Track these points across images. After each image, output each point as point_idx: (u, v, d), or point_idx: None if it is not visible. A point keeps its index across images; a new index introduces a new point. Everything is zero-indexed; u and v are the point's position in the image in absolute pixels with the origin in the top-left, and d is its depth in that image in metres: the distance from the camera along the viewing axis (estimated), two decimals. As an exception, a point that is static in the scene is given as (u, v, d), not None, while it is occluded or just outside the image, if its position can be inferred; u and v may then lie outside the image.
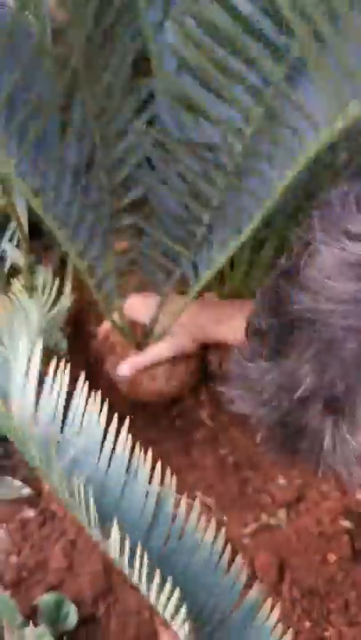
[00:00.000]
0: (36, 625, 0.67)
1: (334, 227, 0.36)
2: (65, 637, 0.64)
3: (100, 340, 0.89)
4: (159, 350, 0.81)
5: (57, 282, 0.68)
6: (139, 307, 0.83)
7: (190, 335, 0.81)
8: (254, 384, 0.37)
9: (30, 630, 0.65)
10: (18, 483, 0.80)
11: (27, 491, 0.79)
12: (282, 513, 0.75)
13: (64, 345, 0.88)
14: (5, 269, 0.85)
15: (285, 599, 0.68)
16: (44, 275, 0.82)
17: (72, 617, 0.69)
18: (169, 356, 0.81)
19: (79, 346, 0.94)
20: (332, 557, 0.70)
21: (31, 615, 0.70)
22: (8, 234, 0.84)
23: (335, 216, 0.36)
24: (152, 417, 0.88)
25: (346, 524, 0.72)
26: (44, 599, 0.70)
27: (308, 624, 0.68)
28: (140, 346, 0.85)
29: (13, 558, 0.75)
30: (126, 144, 0.75)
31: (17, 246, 0.84)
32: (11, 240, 0.83)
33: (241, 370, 0.38)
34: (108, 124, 0.72)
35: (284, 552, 0.71)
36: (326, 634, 0.68)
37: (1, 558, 0.75)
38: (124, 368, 0.81)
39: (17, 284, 0.65)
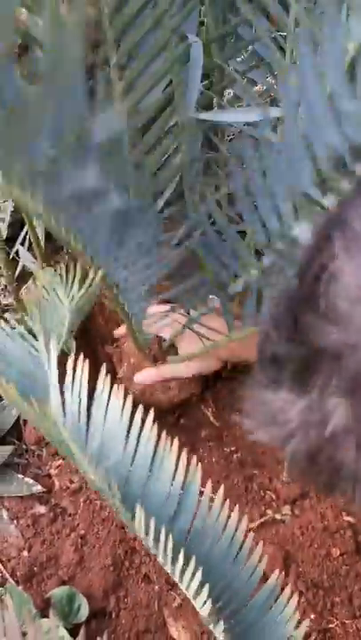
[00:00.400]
0: (48, 617, 0.69)
1: (356, 246, 0.32)
2: (81, 629, 0.65)
3: (113, 343, 0.91)
4: (183, 369, 0.79)
5: (78, 278, 0.68)
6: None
7: (217, 356, 0.79)
8: (277, 415, 0.35)
9: (44, 622, 0.67)
10: (29, 480, 0.82)
11: (37, 488, 0.81)
12: (286, 509, 0.77)
13: (72, 345, 0.90)
14: (17, 272, 0.87)
15: (291, 592, 0.70)
16: (53, 276, 0.84)
17: (83, 610, 0.71)
18: (190, 375, 0.80)
19: (86, 348, 0.96)
20: (335, 552, 0.72)
21: (44, 608, 0.71)
22: (20, 237, 0.86)
23: (355, 234, 0.32)
24: (157, 415, 0.90)
25: (349, 519, 0.74)
26: (57, 593, 0.71)
27: (312, 616, 0.70)
28: (156, 358, 0.84)
29: (25, 554, 0.77)
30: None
31: (29, 249, 0.86)
32: (22, 243, 0.85)
33: (261, 399, 0.36)
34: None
35: (289, 546, 0.73)
36: (331, 626, 0.70)
37: (13, 554, 0.77)
38: (142, 377, 0.80)
39: (47, 275, 0.66)
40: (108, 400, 0.43)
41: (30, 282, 0.77)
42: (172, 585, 0.72)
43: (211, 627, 0.46)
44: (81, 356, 0.50)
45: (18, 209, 0.83)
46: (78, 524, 0.78)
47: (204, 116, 0.73)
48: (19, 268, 0.86)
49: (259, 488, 0.80)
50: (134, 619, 0.71)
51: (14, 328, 0.60)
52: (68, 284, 0.65)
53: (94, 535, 0.76)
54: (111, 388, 0.45)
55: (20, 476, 0.82)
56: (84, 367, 0.48)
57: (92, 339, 0.99)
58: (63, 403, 0.46)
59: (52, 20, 0.33)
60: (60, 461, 0.85)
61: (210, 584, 0.43)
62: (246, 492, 0.80)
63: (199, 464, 0.42)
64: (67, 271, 0.73)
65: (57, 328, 0.60)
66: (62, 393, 0.47)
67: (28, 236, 0.86)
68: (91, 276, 0.61)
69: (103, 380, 0.47)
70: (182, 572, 0.42)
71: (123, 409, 0.45)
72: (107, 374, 0.49)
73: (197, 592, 0.43)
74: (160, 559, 0.42)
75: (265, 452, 0.88)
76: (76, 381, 0.47)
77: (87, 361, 0.49)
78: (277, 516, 0.76)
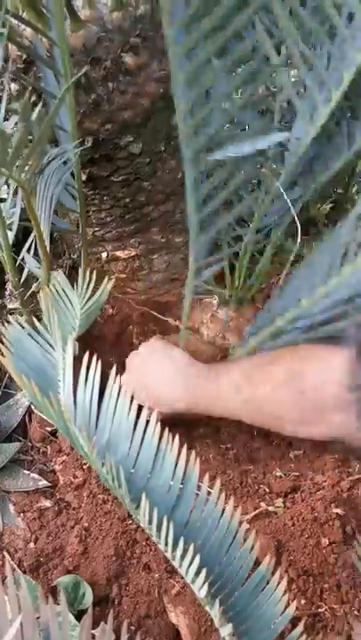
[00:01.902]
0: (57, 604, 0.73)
1: None
2: (87, 614, 0.69)
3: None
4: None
5: (93, 281, 0.72)
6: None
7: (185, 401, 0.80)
8: None
9: (52, 607, 0.71)
10: (35, 475, 0.86)
11: (43, 483, 0.85)
12: (279, 501, 0.81)
13: (76, 348, 0.94)
14: (23, 278, 0.91)
15: (282, 579, 0.74)
16: (58, 278, 0.88)
17: (88, 597, 0.75)
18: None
19: (88, 350, 1.00)
20: (325, 541, 0.76)
21: (51, 596, 0.75)
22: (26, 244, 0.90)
23: None
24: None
25: (337, 510, 0.78)
26: (63, 580, 0.76)
27: (303, 601, 0.74)
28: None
29: (31, 545, 0.81)
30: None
31: (34, 255, 0.90)
32: (29, 250, 0.89)
33: None
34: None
35: (282, 536, 0.77)
36: (320, 610, 0.74)
37: (20, 545, 0.81)
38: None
39: (60, 276, 0.70)
40: (117, 399, 0.47)
41: (43, 284, 0.81)
42: (171, 573, 0.76)
43: (208, 608, 0.50)
44: (94, 357, 0.55)
45: (23, 215, 0.87)
46: (82, 517, 0.82)
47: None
48: (24, 274, 0.90)
49: (253, 482, 0.85)
50: (136, 605, 0.75)
51: (25, 328, 0.64)
52: (81, 291, 0.69)
53: (97, 527, 0.81)
54: (120, 388, 0.49)
55: (26, 471, 0.86)
56: (97, 366, 0.52)
57: (93, 340, 1.03)
58: (75, 399, 0.50)
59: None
60: (65, 457, 0.89)
61: (207, 569, 0.47)
62: (241, 486, 0.84)
63: (198, 459, 0.46)
64: (78, 279, 0.77)
65: (68, 331, 0.64)
66: (74, 390, 0.51)
67: (32, 243, 0.90)
68: (104, 283, 0.66)
69: (113, 380, 0.51)
70: (182, 557, 0.47)
71: (130, 407, 0.49)
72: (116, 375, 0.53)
73: (195, 576, 0.47)
74: (161, 546, 0.46)
75: (259, 449, 0.93)
76: (88, 380, 0.52)
77: (100, 361, 0.53)
78: (270, 509, 0.80)
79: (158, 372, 0.81)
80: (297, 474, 0.85)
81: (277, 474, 0.86)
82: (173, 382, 0.79)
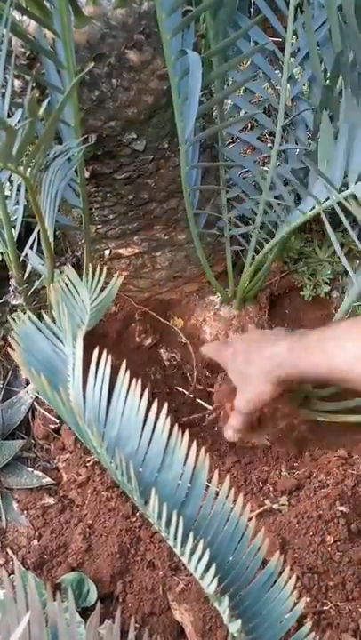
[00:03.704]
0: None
1: None
2: (94, 611, 0.69)
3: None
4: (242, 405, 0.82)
5: (102, 276, 0.71)
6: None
7: (268, 379, 0.77)
8: None
9: (57, 604, 0.71)
10: (38, 473, 0.85)
11: (47, 480, 0.85)
12: (284, 499, 0.81)
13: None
14: (26, 274, 0.90)
15: (287, 576, 0.74)
16: (68, 273, 0.87)
17: (92, 594, 0.75)
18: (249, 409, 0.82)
19: (91, 346, 1.00)
20: (329, 539, 0.76)
21: (55, 593, 0.75)
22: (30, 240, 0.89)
23: None
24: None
25: (342, 508, 0.78)
26: (67, 578, 0.75)
27: (308, 599, 0.74)
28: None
29: (35, 543, 0.81)
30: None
31: (37, 252, 0.90)
32: (32, 247, 0.89)
33: None
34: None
35: (286, 534, 0.77)
36: (325, 608, 0.74)
37: (24, 543, 0.81)
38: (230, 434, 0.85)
39: (70, 271, 0.70)
40: (127, 394, 0.47)
41: (47, 280, 0.80)
42: (175, 570, 0.76)
43: (216, 604, 0.50)
44: (104, 352, 0.54)
45: (27, 213, 0.86)
46: (86, 515, 0.82)
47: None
48: (27, 270, 0.89)
49: (257, 480, 0.85)
50: (140, 602, 0.75)
51: (35, 323, 0.63)
52: (90, 287, 0.69)
53: (101, 524, 0.80)
54: (130, 383, 0.49)
55: (30, 469, 0.86)
56: (107, 361, 0.52)
57: (95, 337, 1.03)
58: (85, 394, 0.50)
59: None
60: (68, 455, 0.89)
61: (216, 565, 0.47)
62: (245, 484, 0.84)
63: (207, 455, 0.45)
64: (88, 275, 0.76)
65: (79, 328, 0.64)
66: (84, 385, 0.51)
67: (35, 240, 0.89)
68: (114, 278, 0.65)
69: (123, 375, 0.51)
70: (191, 553, 0.46)
71: (140, 402, 0.49)
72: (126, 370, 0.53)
73: (205, 572, 0.47)
74: (170, 542, 0.46)
75: (263, 449, 0.93)
76: (98, 375, 0.51)
77: (110, 357, 0.53)
78: (275, 506, 0.80)
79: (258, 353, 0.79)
80: (301, 472, 0.85)
81: (282, 472, 0.85)
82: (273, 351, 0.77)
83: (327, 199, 0.80)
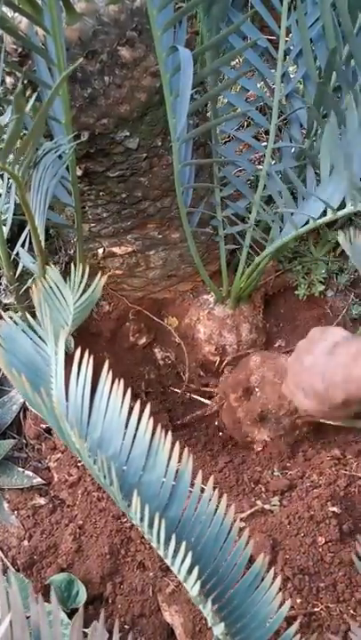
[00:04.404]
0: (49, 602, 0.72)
1: None
2: (77, 612, 0.69)
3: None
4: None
5: (86, 276, 0.70)
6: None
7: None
8: None
9: (42, 606, 0.70)
10: (29, 473, 0.85)
11: (37, 480, 0.84)
12: (275, 500, 0.81)
13: (71, 344, 0.93)
14: (17, 272, 0.90)
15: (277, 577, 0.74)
16: (50, 273, 0.87)
17: (81, 595, 0.74)
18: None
19: (84, 346, 0.99)
20: (321, 540, 0.76)
21: (44, 594, 0.75)
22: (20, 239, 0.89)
23: None
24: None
25: (334, 509, 0.77)
26: (56, 579, 0.75)
27: (299, 600, 0.73)
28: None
29: (25, 543, 0.80)
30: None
31: (28, 250, 0.89)
32: (23, 245, 0.88)
33: None
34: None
35: (277, 535, 0.76)
36: (316, 609, 0.74)
37: (14, 543, 0.80)
38: None
39: (53, 272, 0.69)
40: (110, 394, 0.46)
41: (37, 279, 0.80)
42: (165, 571, 0.76)
43: (200, 606, 0.49)
44: (86, 353, 0.54)
45: (19, 211, 0.86)
46: (76, 515, 0.81)
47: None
48: (19, 269, 0.89)
49: (249, 480, 0.84)
50: (130, 604, 0.75)
51: (18, 324, 0.63)
52: (73, 287, 0.68)
53: (92, 525, 0.80)
54: (112, 383, 0.49)
55: (21, 469, 0.86)
56: (88, 362, 0.51)
57: (88, 337, 1.02)
58: (67, 395, 0.49)
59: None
60: (59, 455, 0.88)
61: (199, 567, 0.46)
62: (237, 484, 0.83)
63: (191, 455, 0.45)
64: (70, 274, 0.76)
65: (61, 327, 0.64)
66: (67, 386, 0.50)
67: (27, 238, 0.89)
68: (97, 278, 0.65)
69: (105, 376, 0.50)
70: (174, 555, 0.46)
71: (122, 404, 0.49)
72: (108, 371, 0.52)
73: (188, 574, 0.46)
74: (154, 544, 0.45)
75: (255, 450, 0.92)
76: (80, 375, 0.51)
77: (92, 357, 0.52)
78: (266, 507, 0.79)
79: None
80: (293, 473, 0.84)
81: (274, 472, 0.85)
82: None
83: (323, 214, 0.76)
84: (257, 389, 0.89)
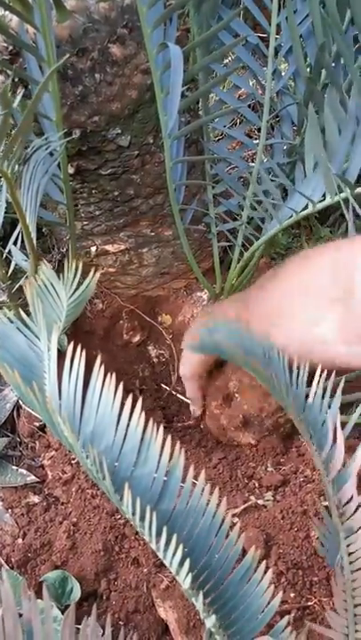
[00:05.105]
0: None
1: None
2: (69, 609, 0.69)
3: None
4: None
5: (78, 274, 0.70)
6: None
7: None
8: None
9: (34, 603, 0.70)
10: (23, 471, 0.85)
11: (31, 478, 0.84)
12: (269, 495, 0.81)
13: (65, 342, 0.93)
14: (10, 270, 0.90)
15: (272, 572, 0.73)
16: (43, 269, 0.86)
17: (75, 592, 0.74)
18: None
19: (77, 343, 0.99)
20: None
21: (38, 591, 0.75)
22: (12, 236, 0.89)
23: None
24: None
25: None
26: (50, 576, 0.75)
27: (292, 595, 0.74)
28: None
29: (19, 541, 0.80)
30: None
31: (21, 248, 0.89)
32: (15, 242, 0.88)
33: None
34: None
35: (271, 529, 0.77)
36: (309, 604, 0.74)
37: (8, 541, 0.80)
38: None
39: (46, 268, 0.69)
40: (102, 389, 0.47)
41: (31, 276, 0.80)
42: (159, 567, 0.76)
43: (193, 600, 0.49)
44: (78, 348, 0.54)
45: (10, 208, 0.86)
46: (71, 512, 0.81)
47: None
48: (11, 267, 0.89)
49: (243, 475, 0.84)
50: (124, 600, 0.75)
51: (12, 321, 0.63)
52: (66, 284, 0.68)
53: (86, 522, 0.80)
54: (104, 378, 0.49)
55: (15, 467, 0.86)
56: (80, 357, 0.52)
57: (82, 335, 1.03)
58: (60, 390, 0.49)
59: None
60: (53, 453, 0.88)
61: (191, 560, 0.46)
62: (231, 480, 0.84)
63: (182, 449, 0.45)
64: (64, 270, 0.76)
65: (54, 325, 0.64)
66: (59, 381, 0.50)
67: (20, 235, 0.89)
68: (91, 274, 0.65)
69: (97, 372, 0.50)
70: (165, 548, 0.46)
71: (114, 397, 0.49)
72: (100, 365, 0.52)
73: (179, 567, 0.46)
74: (146, 537, 0.46)
75: (249, 444, 0.92)
76: (73, 370, 0.51)
77: (84, 351, 0.52)
78: (260, 502, 0.80)
79: None
80: (287, 468, 0.85)
81: (268, 467, 0.85)
82: None
83: (323, 199, 0.79)
84: (236, 395, 0.88)
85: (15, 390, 0.47)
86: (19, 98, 0.64)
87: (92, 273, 0.67)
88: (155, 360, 1.15)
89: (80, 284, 0.68)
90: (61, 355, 0.56)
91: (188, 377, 0.87)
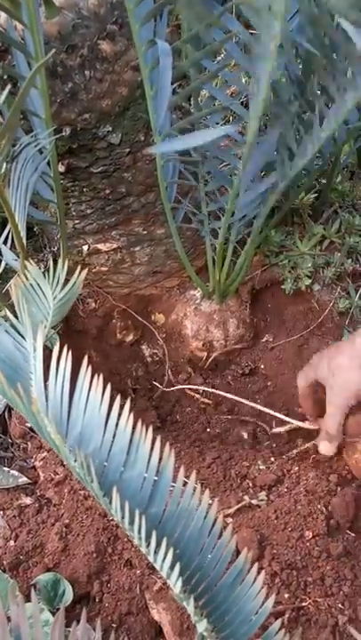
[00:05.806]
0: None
1: None
2: (59, 612, 0.68)
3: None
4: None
5: (64, 273, 0.70)
6: None
7: None
8: None
9: (27, 606, 0.69)
10: (15, 472, 0.84)
11: (23, 480, 0.83)
12: (262, 495, 0.80)
13: (56, 341, 0.92)
14: (0, 270, 0.89)
15: (266, 572, 0.73)
16: (29, 268, 0.85)
17: (68, 595, 0.74)
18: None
19: (69, 344, 0.98)
20: (308, 534, 0.76)
21: (30, 594, 0.74)
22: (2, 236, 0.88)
23: None
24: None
25: (321, 503, 0.77)
26: (42, 579, 0.74)
27: (286, 595, 0.73)
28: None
29: (11, 543, 0.79)
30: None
31: (11, 247, 0.88)
32: (5, 242, 0.87)
33: None
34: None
35: (265, 530, 0.76)
36: (304, 604, 0.74)
37: (0, 543, 0.79)
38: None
39: (32, 267, 0.68)
40: (89, 391, 0.46)
41: (17, 275, 0.79)
42: (152, 569, 0.75)
43: (184, 603, 0.49)
44: (65, 349, 0.53)
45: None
46: (63, 514, 0.81)
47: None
48: (1, 267, 0.88)
49: (236, 475, 0.84)
50: (117, 602, 0.74)
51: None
52: (52, 283, 0.68)
53: (78, 524, 0.79)
54: (91, 380, 0.48)
55: (6, 468, 0.85)
56: (67, 358, 0.51)
57: (75, 334, 1.02)
58: (46, 392, 0.48)
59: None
60: (45, 454, 0.87)
61: (182, 563, 0.46)
62: (225, 480, 0.83)
63: (172, 451, 0.44)
64: (50, 269, 0.75)
65: (41, 323, 0.63)
66: (46, 383, 0.49)
67: (9, 235, 0.88)
68: (76, 274, 0.64)
69: (84, 372, 0.49)
70: (155, 552, 0.45)
71: (102, 398, 0.48)
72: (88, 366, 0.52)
73: (170, 571, 0.46)
74: (135, 541, 0.45)
75: (242, 443, 0.92)
76: (59, 372, 0.50)
77: (70, 353, 0.51)
78: (254, 502, 0.79)
79: None
80: (280, 467, 0.84)
81: (261, 467, 0.85)
82: None
83: None
84: None
85: (2, 393, 0.46)
86: (4, 94, 0.63)
87: (77, 271, 0.66)
88: (148, 359, 1.15)
89: (68, 281, 0.68)
90: (51, 354, 0.55)
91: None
